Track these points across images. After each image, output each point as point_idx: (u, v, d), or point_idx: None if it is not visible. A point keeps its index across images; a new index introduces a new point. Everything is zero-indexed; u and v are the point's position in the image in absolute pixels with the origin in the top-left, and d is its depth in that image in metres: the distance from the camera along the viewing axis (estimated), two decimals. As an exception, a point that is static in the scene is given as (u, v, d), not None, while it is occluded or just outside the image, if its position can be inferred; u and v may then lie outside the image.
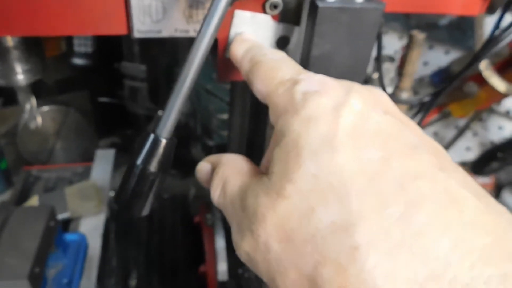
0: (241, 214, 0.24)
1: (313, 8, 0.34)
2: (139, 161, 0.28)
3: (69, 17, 0.38)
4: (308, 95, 0.24)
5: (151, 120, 1.22)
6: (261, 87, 0.28)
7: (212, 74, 1.06)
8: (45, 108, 1.00)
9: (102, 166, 0.92)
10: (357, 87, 0.24)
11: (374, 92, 0.25)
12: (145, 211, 0.29)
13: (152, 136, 0.29)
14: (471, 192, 0.20)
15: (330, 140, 0.21)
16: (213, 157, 0.33)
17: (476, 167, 0.66)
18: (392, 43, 1.03)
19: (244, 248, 0.24)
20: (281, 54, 0.31)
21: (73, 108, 1.06)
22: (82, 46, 1.17)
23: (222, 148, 0.66)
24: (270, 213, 0.21)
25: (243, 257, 0.25)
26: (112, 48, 1.14)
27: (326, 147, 0.21)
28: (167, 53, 1.16)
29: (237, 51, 0.34)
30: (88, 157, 1.09)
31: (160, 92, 1.18)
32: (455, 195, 0.19)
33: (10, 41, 0.45)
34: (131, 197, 0.29)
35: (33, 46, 0.48)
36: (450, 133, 0.98)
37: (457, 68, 0.90)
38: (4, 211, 0.53)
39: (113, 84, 1.18)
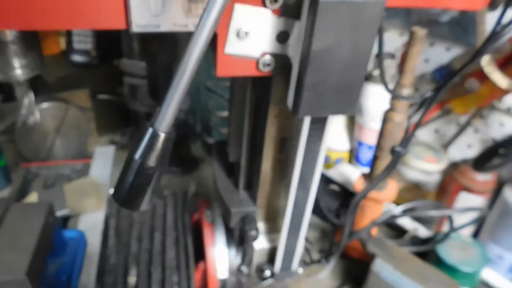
0: None
1: (314, 2, 0.34)
2: (137, 155, 0.28)
3: (67, 11, 0.37)
4: None
5: (150, 117, 1.21)
6: None
7: (212, 71, 1.05)
8: (45, 105, 0.99)
9: (102, 163, 0.92)
10: None
11: None
12: (144, 206, 0.29)
13: (150, 130, 0.28)
14: None
15: None
16: None
17: (478, 164, 0.65)
18: (393, 40, 1.03)
19: None
20: None
21: (72, 105, 1.06)
22: (81, 44, 1.17)
23: (223, 145, 0.65)
24: None
25: None
26: (111, 46, 1.13)
27: None
28: (167, 50, 1.16)
29: None
30: (87, 154, 1.09)
31: (160, 89, 1.18)
32: None
33: (8, 35, 0.45)
34: (129, 192, 0.28)
35: (31, 41, 0.47)
36: (451, 130, 0.98)
37: (458, 65, 0.90)
38: (2, 207, 0.52)
39: (112, 81, 1.18)
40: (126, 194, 0.28)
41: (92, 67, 1.19)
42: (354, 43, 0.36)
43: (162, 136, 0.28)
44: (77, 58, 1.17)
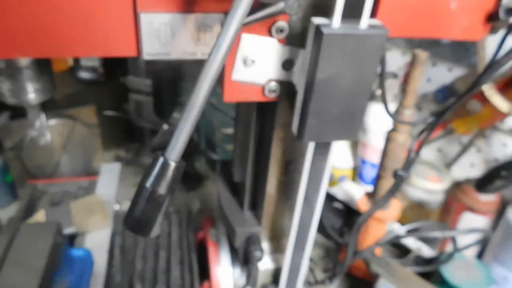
0: None
1: (319, 34, 0.35)
2: (148, 183, 0.29)
3: (80, 39, 0.39)
4: None
5: (155, 134, 1.23)
6: None
7: (217, 89, 1.06)
8: (52, 122, 1.01)
9: (108, 180, 0.93)
10: None
11: None
12: (155, 232, 0.30)
13: (161, 159, 0.29)
14: None
15: None
16: None
17: (480, 186, 0.66)
18: (395, 59, 1.04)
19: None
20: None
21: (79, 121, 1.07)
22: (88, 61, 1.19)
23: (227, 164, 0.66)
24: None
25: None
26: (118, 63, 1.15)
27: None
28: (172, 68, 1.18)
29: None
30: (92, 170, 1.10)
31: (165, 106, 1.20)
32: None
33: (22, 61, 0.46)
34: (140, 218, 0.29)
35: (44, 66, 0.49)
36: (454, 149, 0.98)
37: (460, 86, 0.91)
38: (12, 228, 0.53)
39: (118, 98, 1.20)
40: (137, 221, 0.29)
41: (99, 84, 1.21)
42: (357, 72, 0.37)
43: (172, 165, 0.29)
44: (84, 75, 1.19)
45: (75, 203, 0.79)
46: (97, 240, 0.74)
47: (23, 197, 0.88)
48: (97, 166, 1.10)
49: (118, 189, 0.91)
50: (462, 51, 0.94)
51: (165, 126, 1.20)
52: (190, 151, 1.18)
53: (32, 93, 0.48)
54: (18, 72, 0.46)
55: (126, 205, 0.94)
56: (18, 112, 1.02)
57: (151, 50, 0.40)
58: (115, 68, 1.21)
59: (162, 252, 0.77)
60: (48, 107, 1.05)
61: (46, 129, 0.53)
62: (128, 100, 1.19)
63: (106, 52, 0.40)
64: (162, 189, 0.29)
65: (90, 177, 0.98)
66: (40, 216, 0.77)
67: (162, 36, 0.39)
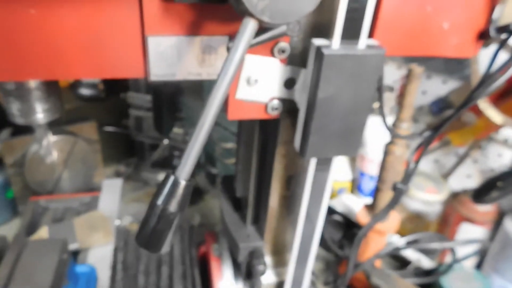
0: None
1: (319, 55, 0.37)
2: (159, 201, 0.30)
3: (90, 62, 0.40)
4: None
5: (155, 149, 1.24)
6: None
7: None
8: (54, 138, 1.02)
9: (109, 196, 0.94)
10: None
11: None
12: (165, 248, 0.31)
13: (172, 177, 0.31)
14: None
15: None
16: None
17: (476, 197, 0.67)
18: (391, 73, 1.07)
19: None
20: None
21: (80, 137, 1.08)
22: (89, 77, 1.20)
23: (229, 179, 0.68)
24: None
25: None
26: (118, 79, 1.17)
27: None
28: (172, 84, 1.20)
29: None
30: (93, 186, 1.11)
31: (164, 121, 1.21)
32: None
33: (32, 82, 0.48)
34: (151, 235, 0.30)
35: (52, 87, 0.50)
36: (451, 160, 1.00)
37: (455, 98, 0.93)
38: (19, 244, 0.54)
39: (119, 113, 1.21)
40: (148, 237, 0.30)
41: (99, 100, 1.22)
42: (356, 91, 0.39)
43: (182, 183, 0.31)
44: (84, 91, 1.20)
45: (78, 219, 0.80)
46: (99, 256, 0.74)
47: (26, 214, 0.89)
48: (98, 182, 1.11)
49: (119, 205, 0.92)
50: (456, 64, 0.97)
51: (165, 141, 1.22)
52: (190, 166, 1.18)
53: (40, 113, 0.49)
54: (28, 93, 0.48)
55: (126, 221, 0.95)
56: (20, 129, 1.03)
57: (158, 71, 0.41)
58: (115, 84, 1.22)
59: (164, 267, 0.77)
60: (49, 123, 1.06)
61: (53, 148, 0.54)
62: (128, 115, 1.20)
63: (114, 74, 0.41)
64: (173, 207, 0.30)
65: (91, 193, 0.98)
66: (43, 232, 0.78)
67: (169, 58, 0.41)
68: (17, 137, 0.99)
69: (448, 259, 0.84)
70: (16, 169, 1.01)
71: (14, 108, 0.49)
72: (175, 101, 1.21)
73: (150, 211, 0.30)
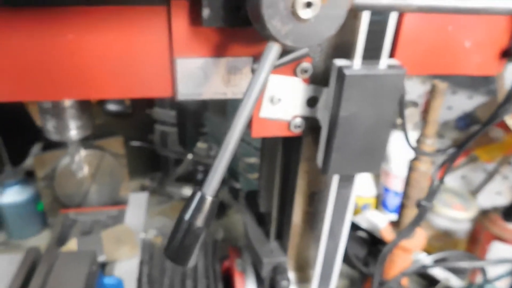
0: None
1: (341, 75, 0.38)
2: (187, 216, 0.32)
3: (122, 83, 0.43)
4: None
5: (179, 163, 1.27)
6: None
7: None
8: (82, 153, 1.06)
9: (136, 209, 0.96)
10: None
11: None
12: (192, 262, 0.32)
13: (199, 194, 0.32)
14: None
15: None
16: None
17: (508, 214, 0.65)
18: (415, 88, 1.06)
19: None
20: None
21: (108, 152, 1.12)
22: (117, 94, 1.24)
23: (253, 194, 0.68)
24: None
25: None
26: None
27: None
28: (196, 100, 1.22)
29: None
30: (119, 199, 1.14)
31: (189, 137, 1.24)
32: None
33: (67, 101, 0.51)
34: (179, 249, 0.32)
35: (85, 105, 0.53)
36: (479, 176, 0.98)
37: (481, 113, 0.92)
38: (51, 256, 0.56)
39: (144, 128, 1.25)
40: (176, 251, 0.32)
41: (126, 116, 1.25)
42: (378, 110, 0.39)
43: (209, 199, 0.32)
44: (112, 107, 1.24)
45: (105, 232, 0.82)
46: (126, 269, 0.76)
47: (56, 226, 0.92)
48: (124, 195, 1.14)
49: (145, 218, 0.94)
50: (481, 78, 0.95)
51: (189, 156, 1.24)
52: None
53: (74, 130, 0.52)
54: (63, 111, 0.51)
55: (151, 234, 0.97)
56: (50, 144, 1.08)
57: (185, 91, 0.43)
58: (141, 100, 1.26)
59: (188, 281, 0.78)
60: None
61: (84, 163, 0.57)
62: (154, 131, 1.24)
63: (144, 93, 0.44)
64: (200, 222, 0.32)
65: (118, 206, 1.01)
66: (72, 244, 0.81)
67: (196, 78, 0.42)
68: (48, 152, 1.04)
69: (479, 279, 0.82)
70: (47, 182, 1.05)
71: (50, 125, 0.51)
72: (199, 117, 1.24)
73: (177, 225, 0.32)
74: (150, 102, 1.24)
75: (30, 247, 0.59)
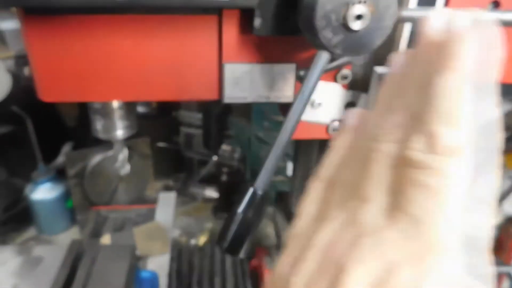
0: None
1: (382, 79, 0.40)
2: (240, 209, 0.34)
3: (172, 86, 0.45)
4: None
5: (203, 165, 1.30)
6: None
7: (264, 123, 1.13)
8: (111, 153, 1.09)
9: (165, 208, 0.99)
10: None
11: None
12: (243, 253, 0.35)
13: (251, 189, 0.34)
14: None
15: None
16: None
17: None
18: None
19: None
20: None
21: (135, 152, 1.15)
22: (144, 96, 1.28)
23: (283, 195, 0.71)
24: None
25: None
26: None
27: None
28: (221, 103, 1.25)
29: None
30: (145, 198, 1.17)
31: (213, 139, 1.27)
32: None
33: (115, 102, 0.54)
34: (232, 241, 0.34)
35: (132, 106, 0.56)
36: (505, 184, 0.97)
37: (508, 121, 0.92)
38: (94, 249, 0.60)
39: (170, 130, 1.28)
40: (229, 243, 0.34)
41: (152, 118, 1.29)
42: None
43: (259, 194, 0.34)
44: (139, 109, 1.28)
45: (137, 229, 0.86)
46: (157, 265, 0.79)
47: (89, 222, 0.96)
48: (150, 194, 1.17)
49: (174, 217, 0.97)
50: (506, 86, 0.96)
51: (214, 158, 1.27)
52: (238, 182, 1.23)
53: (120, 130, 0.55)
54: (111, 111, 0.54)
55: (175, 233, 0.99)
56: (80, 142, 1.12)
57: (231, 94, 0.46)
58: (167, 102, 1.30)
59: (217, 278, 0.81)
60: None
61: (127, 162, 0.60)
62: (179, 132, 1.27)
63: (192, 96, 0.47)
64: (251, 214, 0.34)
65: (148, 205, 1.05)
66: (106, 239, 0.84)
67: (242, 83, 0.45)
68: (78, 150, 1.07)
69: (505, 285, 0.82)
70: (76, 180, 1.09)
71: (99, 125, 0.55)
72: (224, 120, 1.27)
73: (230, 218, 0.34)
74: (176, 105, 1.27)
75: (74, 239, 0.62)
